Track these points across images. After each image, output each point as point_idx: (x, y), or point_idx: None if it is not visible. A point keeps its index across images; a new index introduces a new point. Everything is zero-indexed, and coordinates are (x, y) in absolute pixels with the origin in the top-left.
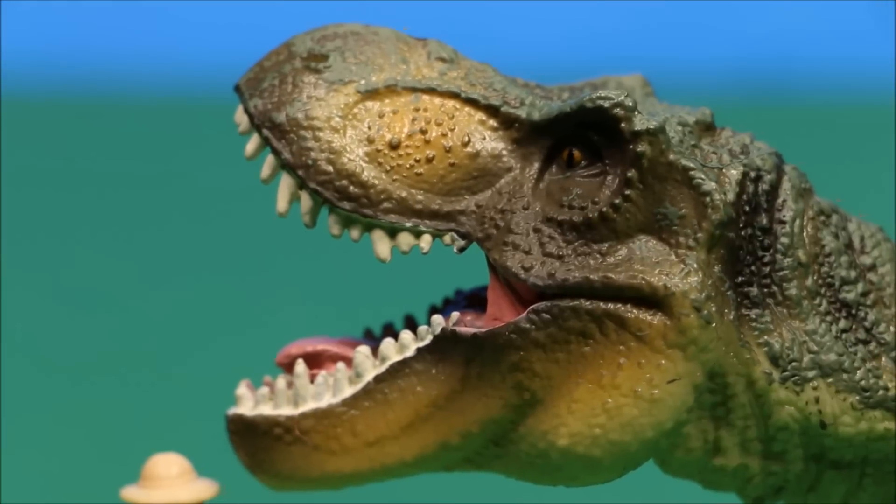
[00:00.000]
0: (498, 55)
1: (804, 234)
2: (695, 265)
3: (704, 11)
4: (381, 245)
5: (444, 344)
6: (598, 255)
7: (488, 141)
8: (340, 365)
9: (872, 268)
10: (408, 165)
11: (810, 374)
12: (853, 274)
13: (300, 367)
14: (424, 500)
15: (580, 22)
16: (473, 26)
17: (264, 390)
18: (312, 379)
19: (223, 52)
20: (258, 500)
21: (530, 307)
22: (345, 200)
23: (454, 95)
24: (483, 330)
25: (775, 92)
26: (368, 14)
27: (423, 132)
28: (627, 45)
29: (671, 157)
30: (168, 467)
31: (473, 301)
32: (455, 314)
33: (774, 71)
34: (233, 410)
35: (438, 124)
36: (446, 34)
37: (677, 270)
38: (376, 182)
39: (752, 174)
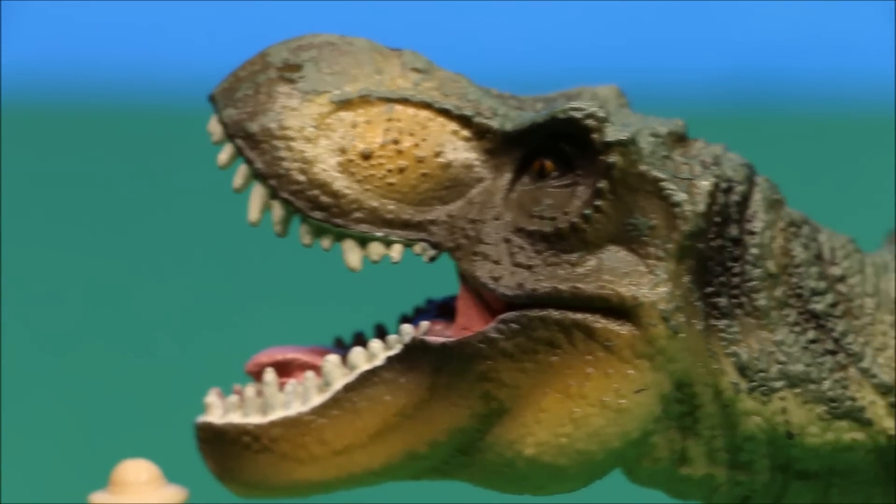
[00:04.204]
0: (501, 66)
1: (774, 244)
2: (664, 276)
3: (700, 21)
4: (352, 254)
5: (413, 353)
6: (567, 266)
7: (460, 151)
8: (309, 374)
9: (842, 279)
10: (380, 175)
11: (778, 384)
12: (822, 285)
13: (269, 375)
14: (421, 501)
15: (572, 31)
16: (454, 35)
17: (234, 398)
18: (282, 387)
19: (224, 62)
20: None
21: (499, 317)
22: (316, 210)
23: (427, 106)
24: (452, 339)
25: (768, 102)
26: (352, 24)
27: (396, 142)
28: (622, 55)
29: (642, 167)
30: (137, 473)
31: (444, 310)
32: (424, 323)
33: (768, 81)
34: (202, 418)
35: (411, 134)
36: (423, 43)
37: (646, 281)
38: (348, 192)
39: (724, 185)
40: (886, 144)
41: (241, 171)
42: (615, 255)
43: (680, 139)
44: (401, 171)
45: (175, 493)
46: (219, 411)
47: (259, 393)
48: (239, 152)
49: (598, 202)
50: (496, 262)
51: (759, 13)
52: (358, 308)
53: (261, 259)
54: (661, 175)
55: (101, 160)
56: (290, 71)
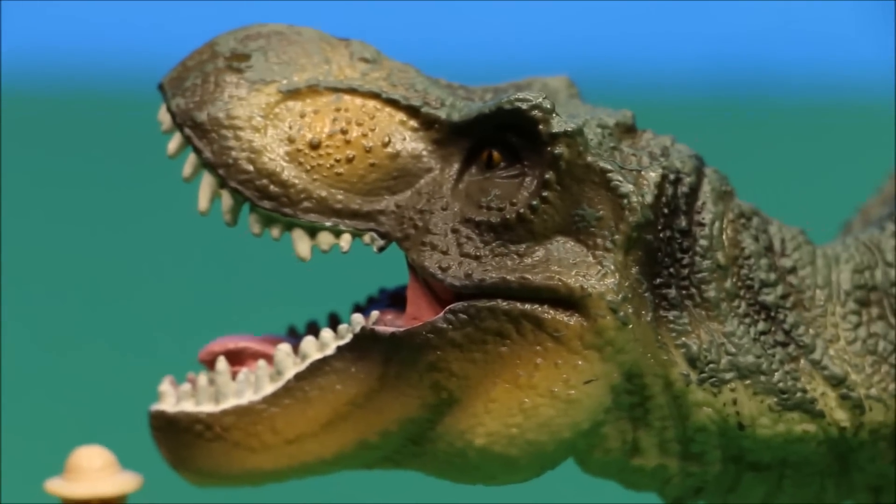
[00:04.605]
0: (485, 58)
1: (723, 236)
2: (612, 267)
3: (700, 13)
4: (302, 244)
5: (364, 343)
6: (515, 256)
7: (408, 141)
8: (262, 362)
9: (793, 270)
10: (328, 165)
11: (728, 375)
12: (773, 276)
13: (221, 364)
14: (422, 500)
15: (556, 23)
16: (423, 27)
17: (187, 387)
18: (234, 376)
19: None
20: (181, 494)
21: (447, 307)
22: (265, 199)
23: (375, 96)
24: (400, 329)
25: (767, 92)
26: (314, 16)
27: (344, 132)
28: (624, 47)
29: (589, 158)
30: (91, 460)
31: (397, 300)
32: (375, 313)
33: (766, 71)
34: (155, 406)
35: (359, 124)
36: (378, 35)
37: (594, 272)
38: (296, 181)
39: (672, 176)
40: (886, 136)
41: (191, 161)
42: (563, 246)
43: (628, 130)
44: (349, 160)
45: (129, 479)
46: (172, 399)
47: (211, 381)
48: (187, 141)
49: (545, 193)
50: (444, 253)
51: (759, 4)
52: (317, 296)
53: (216, 248)
54: (607, 166)
55: (101, 148)
56: (237, 60)
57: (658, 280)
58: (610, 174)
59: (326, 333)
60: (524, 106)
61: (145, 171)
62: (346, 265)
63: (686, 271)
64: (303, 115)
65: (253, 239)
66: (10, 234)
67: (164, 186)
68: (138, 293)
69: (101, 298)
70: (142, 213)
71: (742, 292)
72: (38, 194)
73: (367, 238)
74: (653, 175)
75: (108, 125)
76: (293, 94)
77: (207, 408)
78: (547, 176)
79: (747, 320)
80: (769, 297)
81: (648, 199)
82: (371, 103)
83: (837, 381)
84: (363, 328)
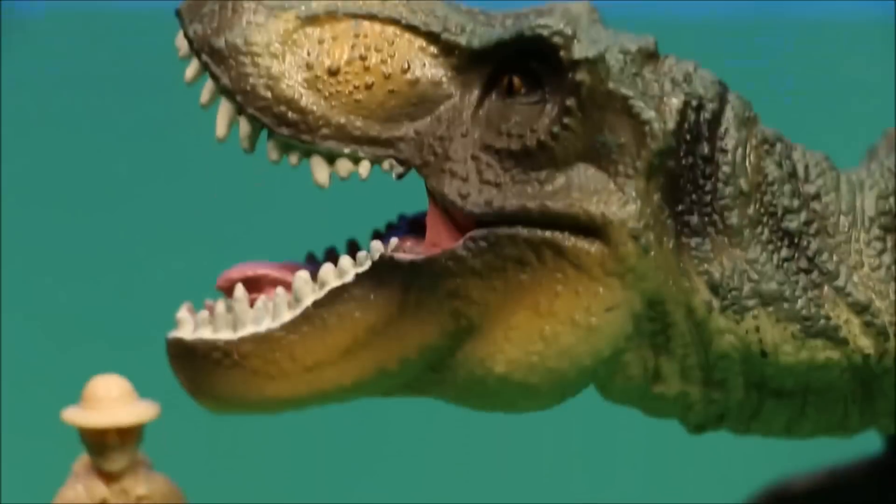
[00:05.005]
0: None
1: (746, 162)
2: (633, 194)
3: None
4: (320, 171)
5: (383, 270)
6: (536, 183)
7: (428, 68)
8: (280, 290)
9: (816, 197)
10: (347, 92)
11: (750, 302)
12: (796, 203)
13: (239, 291)
14: (427, 501)
15: None
16: None
17: (204, 314)
18: (252, 303)
19: None
20: (198, 423)
21: (467, 234)
22: (283, 126)
23: (394, 22)
24: (420, 257)
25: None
26: None
27: (363, 58)
28: None
29: (611, 85)
30: (109, 389)
31: (416, 226)
32: (394, 240)
33: None
34: (173, 334)
35: (378, 51)
36: None
37: (616, 199)
38: (315, 108)
39: (694, 103)
40: (886, 50)
41: (208, 87)
42: (584, 173)
43: (650, 56)
44: (368, 87)
45: (146, 408)
46: (189, 327)
47: (229, 309)
48: (205, 68)
49: (566, 120)
50: (464, 180)
51: None
52: (332, 223)
53: (235, 174)
54: (629, 93)
55: (116, 66)
56: None
57: (680, 207)
58: (632, 101)
59: (345, 261)
60: (545, 32)
61: (158, 93)
62: (366, 191)
63: (708, 198)
64: (321, 42)
65: (271, 164)
66: (11, 153)
67: (177, 110)
68: (154, 218)
69: (114, 221)
70: (157, 136)
71: (765, 219)
72: (43, 113)
73: (385, 165)
74: (675, 101)
75: (114, 46)
76: (311, 20)
77: (225, 335)
78: (568, 103)
79: (770, 247)
80: (792, 223)
81: (671, 125)
82: (390, 29)
83: (861, 308)
84: (382, 256)
